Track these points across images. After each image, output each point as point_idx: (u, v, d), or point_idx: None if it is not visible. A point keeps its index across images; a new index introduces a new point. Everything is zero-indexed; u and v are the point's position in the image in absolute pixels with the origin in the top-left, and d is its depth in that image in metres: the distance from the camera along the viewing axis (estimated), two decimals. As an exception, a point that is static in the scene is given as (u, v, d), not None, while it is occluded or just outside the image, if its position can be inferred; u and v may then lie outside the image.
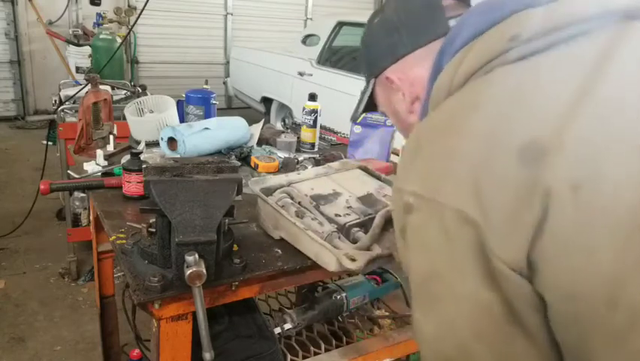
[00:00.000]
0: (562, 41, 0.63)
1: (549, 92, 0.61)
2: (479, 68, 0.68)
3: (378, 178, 1.43)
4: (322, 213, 1.21)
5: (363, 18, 5.39)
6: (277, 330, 1.43)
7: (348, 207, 1.24)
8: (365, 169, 1.47)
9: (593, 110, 0.57)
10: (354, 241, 1.15)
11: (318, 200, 1.26)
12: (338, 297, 1.58)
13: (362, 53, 0.96)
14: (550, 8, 0.67)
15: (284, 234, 1.20)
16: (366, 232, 1.17)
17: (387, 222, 1.20)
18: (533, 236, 0.56)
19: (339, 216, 1.20)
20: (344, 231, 1.17)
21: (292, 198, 1.25)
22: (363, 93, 0.99)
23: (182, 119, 1.98)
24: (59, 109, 2.88)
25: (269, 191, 1.28)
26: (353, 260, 1.04)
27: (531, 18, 0.67)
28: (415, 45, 0.85)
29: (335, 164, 1.49)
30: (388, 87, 0.90)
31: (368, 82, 0.96)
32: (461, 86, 0.70)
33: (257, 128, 1.96)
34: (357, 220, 1.19)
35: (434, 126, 0.69)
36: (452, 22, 0.82)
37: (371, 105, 1.00)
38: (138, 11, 3.36)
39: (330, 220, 1.19)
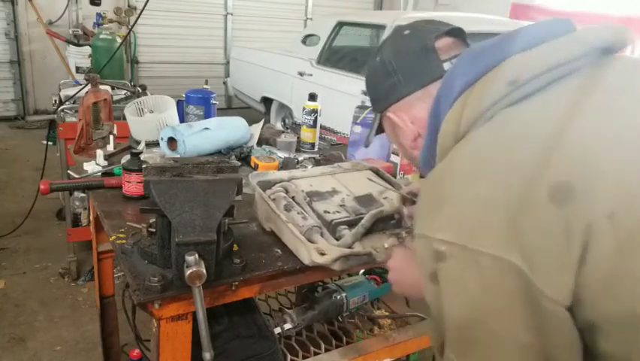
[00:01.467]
0: (555, 80, 0.68)
1: (547, 127, 0.65)
2: (482, 113, 0.72)
3: (388, 181, 1.43)
4: (313, 209, 1.22)
5: (363, 18, 5.42)
6: (277, 330, 1.44)
7: (341, 206, 1.25)
8: (376, 171, 1.47)
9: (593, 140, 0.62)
10: (339, 239, 1.15)
11: (313, 196, 1.26)
12: (338, 297, 1.58)
13: (367, 89, 1.02)
14: (541, 51, 0.72)
15: (272, 225, 1.21)
16: None
17: (377, 222, 1.20)
18: (577, 270, 0.58)
19: (328, 213, 1.20)
20: (330, 228, 1.17)
21: (287, 193, 1.26)
22: (372, 122, 1.06)
23: (182, 119, 1.98)
24: (59, 109, 2.88)
25: (268, 185, 1.29)
26: (322, 254, 1.05)
27: (525, 62, 0.72)
28: (413, 88, 0.89)
29: (346, 164, 1.50)
30: (392, 123, 0.96)
31: (376, 115, 1.02)
32: (467, 133, 0.74)
33: (257, 128, 1.96)
34: (346, 218, 1.20)
35: (457, 174, 0.70)
36: (447, 65, 0.86)
37: (381, 130, 1.06)
38: (138, 11, 3.36)
39: (319, 216, 1.20)
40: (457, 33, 0.92)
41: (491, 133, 0.70)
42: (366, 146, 1.18)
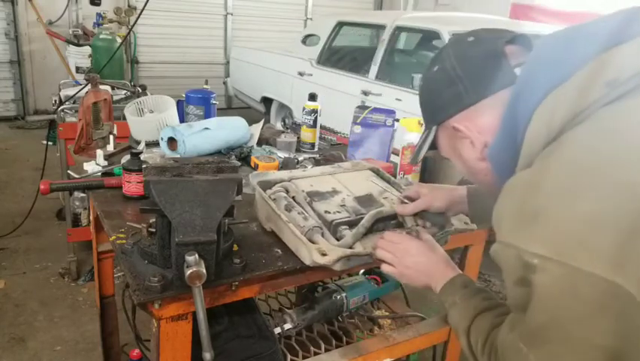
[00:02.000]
0: None
1: None
2: (577, 114, 0.69)
3: (388, 181, 1.43)
4: (314, 210, 1.22)
5: (363, 18, 5.43)
6: (277, 330, 1.44)
7: (341, 206, 1.25)
8: (377, 171, 1.47)
9: None
10: (340, 239, 1.15)
11: (313, 196, 1.26)
12: (338, 297, 1.58)
13: (423, 101, 0.96)
14: (638, 48, 0.68)
15: (273, 225, 1.21)
16: None
17: (377, 222, 1.20)
18: None
19: (329, 213, 1.20)
20: (331, 228, 1.17)
21: (287, 193, 1.26)
22: (423, 139, 0.99)
23: (182, 119, 1.98)
24: (59, 109, 2.88)
25: (268, 184, 1.29)
26: (324, 255, 1.05)
27: (624, 59, 0.68)
28: (481, 95, 0.84)
29: (346, 164, 1.50)
30: (453, 135, 0.90)
31: (429, 128, 0.96)
32: (559, 135, 0.71)
33: (257, 128, 1.96)
34: (347, 219, 1.20)
35: (554, 186, 0.67)
36: (517, 70, 0.82)
37: (433, 146, 0.99)
38: (138, 11, 3.36)
39: (320, 217, 1.20)
40: (522, 41, 0.88)
41: (591, 139, 0.67)
42: (415, 163, 1.14)
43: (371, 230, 1.19)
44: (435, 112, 0.93)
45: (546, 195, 0.68)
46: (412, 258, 1.06)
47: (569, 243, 0.63)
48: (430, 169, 1.74)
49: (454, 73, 0.87)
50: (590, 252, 0.61)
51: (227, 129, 1.79)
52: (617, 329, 0.61)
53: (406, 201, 1.24)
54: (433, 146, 0.98)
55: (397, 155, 1.74)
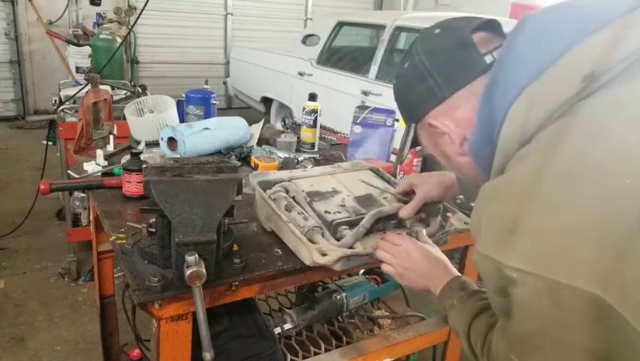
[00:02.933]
0: (633, 63, 0.64)
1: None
2: (552, 113, 0.67)
3: (388, 181, 1.43)
4: (314, 210, 1.22)
5: (363, 18, 5.42)
6: (277, 330, 1.44)
7: (341, 206, 1.25)
8: (376, 171, 1.47)
9: None
10: (340, 239, 1.15)
11: (313, 196, 1.26)
12: (338, 297, 1.58)
13: (397, 99, 0.94)
14: (616, 34, 0.65)
15: (273, 226, 1.21)
16: None
17: (377, 222, 1.20)
18: None
19: (329, 213, 1.20)
20: (331, 228, 1.17)
21: (287, 193, 1.26)
22: (405, 137, 0.97)
23: (182, 119, 1.98)
24: (59, 109, 2.88)
25: (268, 184, 1.29)
26: (324, 255, 1.05)
27: (601, 50, 0.65)
28: (454, 88, 0.82)
29: (346, 164, 1.50)
30: (432, 132, 0.88)
31: (409, 126, 0.94)
32: (535, 134, 0.68)
33: (257, 128, 1.96)
34: (347, 219, 1.20)
35: (532, 198, 0.65)
36: (489, 58, 0.79)
37: (416, 143, 0.97)
38: (138, 11, 3.36)
39: (320, 217, 1.20)
40: (491, 26, 0.84)
41: (571, 145, 0.64)
42: (401, 162, 1.14)
43: (371, 230, 1.19)
44: (410, 110, 0.91)
45: (524, 206, 0.65)
46: (411, 260, 1.06)
47: (548, 255, 0.61)
48: (429, 168, 1.75)
49: (424, 68, 0.84)
50: (570, 264, 0.60)
51: (227, 129, 1.79)
52: (602, 332, 0.60)
53: (402, 197, 1.25)
54: (418, 142, 0.97)
55: (397, 155, 1.74)
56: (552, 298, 0.61)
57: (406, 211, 1.20)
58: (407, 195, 1.25)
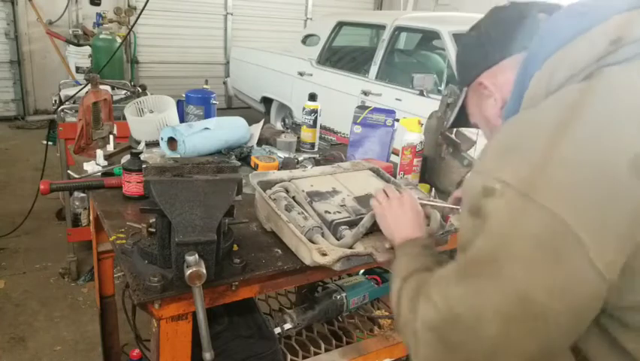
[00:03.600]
0: None
1: None
2: (578, 71, 0.69)
3: (387, 181, 1.43)
4: (314, 209, 1.22)
5: (363, 18, 5.42)
6: (277, 330, 1.44)
7: (341, 206, 1.25)
8: (376, 171, 1.47)
9: None
10: (340, 239, 1.15)
11: (313, 196, 1.26)
12: (338, 297, 1.58)
13: (457, 62, 1.02)
14: None
15: (273, 225, 1.21)
16: None
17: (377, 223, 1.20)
18: (635, 252, 0.59)
19: (329, 213, 1.20)
20: (331, 228, 1.17)
21: (287, 193, 1.26)
22: (455, 101, 1.04)
23: (182, 119, 1.98)
24: (59, 109, 2.88)
25: (268, 185, 1.29)
26: (324, 255, 1.05)
27: (632, 20, 0.68)
28: (503, 55, 0.89)
29: (345, 164, 1.50)
30: (480, 93, 0.94)
31: (462, 90, 1.01)
32: (560, 88, 0.71)
33: (257, 128, 1.96)
34: (347, 219, 1.20)
35: (536, 125, 0.68)
36: None
37: (461, 119, 1.04)
38: (138, 11, 3.36)
39: (320, 217, 1.20)
40: (555, 11, 0.90)
41: (582, 95, 0.66)
42: (449, 127, 1.17)
43: (371, 230, 1.19)
44: (465, 72, 0.98)
45: (533, 132, 0.68)
46: (400, 208, 1.07)
47: (536, 178, 0.62)
48: (430, 169, 1.75)
49: (485, 34, 0.93)
50: (554, 191, 0.61)
51: (227, 129, 1.79)
52: (547, 280, 0.59)
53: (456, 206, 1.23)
54: (463, 122, 1.03)
55: (397, 155, 1.74)
56: (520, 214, 0.62)
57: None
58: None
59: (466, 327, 0.62)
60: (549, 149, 0.63)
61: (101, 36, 4.49)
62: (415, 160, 1.69)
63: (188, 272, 0.88)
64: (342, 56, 4.86)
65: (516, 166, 0.65)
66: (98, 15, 5.46)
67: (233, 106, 7.05)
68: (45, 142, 3.32)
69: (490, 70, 0.91)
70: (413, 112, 2.80)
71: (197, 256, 0.90)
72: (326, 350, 1.46)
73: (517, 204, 0.62)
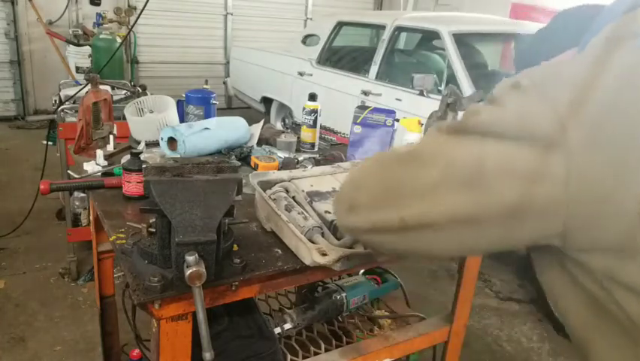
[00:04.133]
0: None
1: None
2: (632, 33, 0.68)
3: None
4: (314, 209, 1.22)
5: (363, 18, 5.43)
6: (277, 330, 1.44)
7: None
8: None
9: None
10: (340, 239, 1.15)
11: (313, 196, 1.26)
12: (338, 297, 1.58)
13: (515, 59, 1.04)
14: None
15: (273, 226, 1.21)
16: None
17: None
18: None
19: (329, 213, 1.20)
20: (331, 228, 1.17)
21: (287, 193, 1.26)
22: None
23: (182, 119, 1.98)
24: (59, 109, 2.88)
25: (268, 185, 1.29)
26: (324, 255, 1.05)
27: None
28: (568, 45, 0.88)
29: (345, 164, 1.50)
30: None
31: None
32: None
33: (257, 128, 1.96)
34: None
35: (584, 58, 0.68)
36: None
37: None
38: (138, 11, 3.36)
39: (320, 217, 1.20)
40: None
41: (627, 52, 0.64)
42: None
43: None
44: (521, 65, 0.99)
45: (570, 63, 0.68)
46: None
47: (565, 92, 0.63)
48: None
49: (552, 30, 0.95)
50: (568, 105, 0.61)
51: (227, 129, 1.79)
52: (521, 163, 0.62)
53: None
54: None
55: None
56: (531, 113, 0.63)
57: None
58: None
59: (419, 162, 0.69)
60: (587, 75, 0.63)
61: (101, 36, 4.49)
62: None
63: (188, 272, 0.88)
64: (342, 56, 4.86)
65: (546, 73, 0.67)
66: (98, 15, 5.46)
67: (233, 106, 7.05)
68: (45, 142, 3.32)
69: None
70: (413, 112, 2.80)
71: (197, 256, 0.90)
72: (326, 350, 1.46)
73: (532, 102, 0.63)
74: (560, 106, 0.62)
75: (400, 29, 4.19)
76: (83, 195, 2.91)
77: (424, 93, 3.47)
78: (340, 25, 4.82)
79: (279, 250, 1.16)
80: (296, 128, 2.22)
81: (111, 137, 1.80)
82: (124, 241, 1.12)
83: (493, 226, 0.66)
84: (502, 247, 0.71)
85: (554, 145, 0.60)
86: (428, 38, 4.60)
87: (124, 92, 3.22)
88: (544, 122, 0.61)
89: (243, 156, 1.77)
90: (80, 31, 5.45)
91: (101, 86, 1.92)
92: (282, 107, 5.26)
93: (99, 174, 1.54)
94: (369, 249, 0.86)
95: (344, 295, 1.59)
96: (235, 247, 1.13)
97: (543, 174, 0.61)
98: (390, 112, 1.83)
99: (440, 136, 0.70)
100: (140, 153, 1.46)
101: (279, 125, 4.88)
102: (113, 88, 3.06)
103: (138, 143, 1.83)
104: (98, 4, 5.30)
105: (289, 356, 1.44)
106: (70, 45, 5.09)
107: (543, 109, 0.62)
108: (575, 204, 0.61)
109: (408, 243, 0.74)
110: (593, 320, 0.69)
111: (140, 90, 2.93)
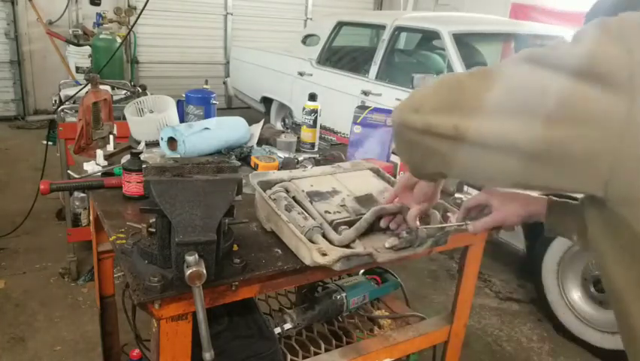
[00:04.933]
0: None
1: None
2: None
3: (388, 181, 1.43)
4: (314, 209, 1.22)
5: (363, 18, 5.43)
6: (277, 330, 1.44)
7: (341, 206, 1.25)
8: (376, 171, 1.47)
9: None
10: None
11: (313, 196, 1.26)
12: (338, 297, 1.58)
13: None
14: None
15: (273, 226, 1.21)
16: None
17: (379, 220, 1.20)
18: None
19: (329, 213, 1.20)
20: (331, 228, 1.17)
21: (288, 193, 1.26)
22: None
23: (182, 119, 1.98)
24: (59, 109, 2.88)
25: (268, 185, 1.29)
26: (324, 255, 1.05)
27: None
28: None
29: (346, 164, 1.50)
30: None
31: None
32: None
33: (257, 128, 1.96)
34: (347, 219, 1.20)
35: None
36: None
37: None
38: (138, 11, 3.36)
39: (321, 216, 1.20)
40: None
41: None
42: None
43: (371, 229, 1.19)
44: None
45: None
46: None
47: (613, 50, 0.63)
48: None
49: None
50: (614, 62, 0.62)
51: (227, 129, 1.79)
52: (575, 94, 0.62)
53: (467, 223, 1.11)
54: None
55: (397, 155, 1.74)
56: (604, 51, 0.63)
57: (474, 228, 1.10)
58: (469, 212, 1.13)
59: (489, 80, 0.70)
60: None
61: (101, 36, 4.49)
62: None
63: (188, 272, 0.88)
64: (342, 56, 4.86)
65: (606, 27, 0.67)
66: (98, 15, 5.46)
67: (233, 106, 7.04)
68: (45, 142, 3.32)
69: None
70: (413, 112, 2.78)
71: (197, 256, 0.90)
72: (326, 350, 1.46)
73: (611, 43, 0.63)
74: (636, 53, 0.61)
75: (399, 29, 4.19)
76: (83, 195, 2.91)
77: (424, 93, 3.45)
78: (340, 25, 4.82)
79: (279, 250, 1.16)
80: (296, 128, 2.22)
81: (111, 137, 1.80)
82: (124, 241, 1.12)
83: (538, 161, 0.66)
84: (548, 189, 0.71)
85: (621, 88, 0.61)
86: (428, 38, 4.60)
87: (124, 92, 3.22)
88: (616, 65, 0.62)
89: (243, 156, 1.77)
90: (80, 31, 5.45)
91: (101, 86, 1.92)
92: (282, 107, 5.26)
93: (99, 174, 1.54)
94: (417, 157, 0.84)
95: (344, 295, 1.59)
96: (235, 247, 1.13)
97: (601, 117, 0.61)
98: (390, 112, 1.83)
99: (517, 61, 0.71)
100: (140, 153, 1.46)
101: (279, 125, 4.88)
102: (113, 88, 3.06)
103: (138, 143, 1.83)
104: (98, 4, 5.29)
105: (289, 356, 1.44)
106: (70, 45, 5.09)
107: (619, 52, 0.62)
108: (628, 150, 0.61)
109: (455, 155, 0.74)
110: (634, 280, 0.69)
111: (140, 90, 2.93)
